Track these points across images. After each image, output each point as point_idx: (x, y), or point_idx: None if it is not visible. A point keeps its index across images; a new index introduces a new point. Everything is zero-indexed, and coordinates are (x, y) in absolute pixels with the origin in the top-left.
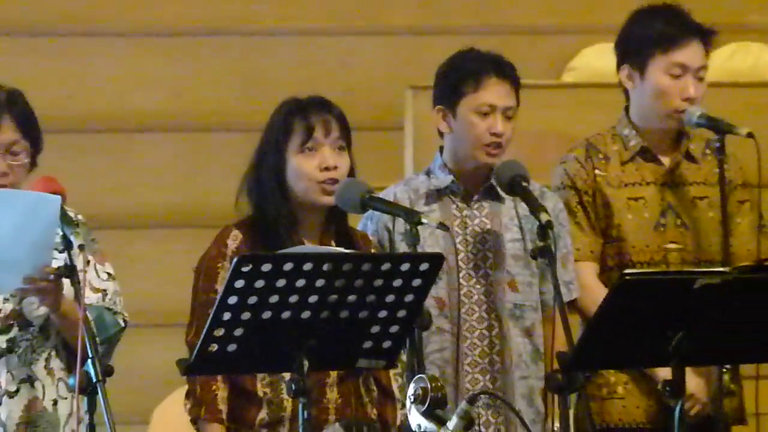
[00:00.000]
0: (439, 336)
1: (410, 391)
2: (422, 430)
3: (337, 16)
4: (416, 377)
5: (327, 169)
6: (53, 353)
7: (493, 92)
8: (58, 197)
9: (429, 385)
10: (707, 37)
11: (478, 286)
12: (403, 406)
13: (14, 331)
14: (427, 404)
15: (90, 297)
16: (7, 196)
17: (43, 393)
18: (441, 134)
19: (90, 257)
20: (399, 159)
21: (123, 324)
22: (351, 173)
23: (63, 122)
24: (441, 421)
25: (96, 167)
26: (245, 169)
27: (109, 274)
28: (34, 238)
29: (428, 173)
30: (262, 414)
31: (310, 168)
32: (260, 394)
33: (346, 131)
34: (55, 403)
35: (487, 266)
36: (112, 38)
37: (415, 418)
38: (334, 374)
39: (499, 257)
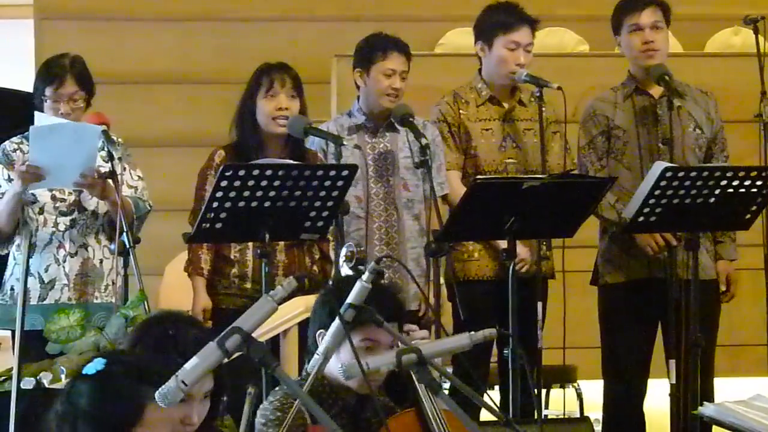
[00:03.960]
0: (357, 221)
1: (342, 252)
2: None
3: (290, 9)
4: (347, 244)
5: (281, 109)
6: (100, 228)
7: (395, 61)
8: (99, 127)
9: (355, 250)
10: (533, 24)
11: (382, 187)
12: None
13: (75, 214)
14: (353, 262)
15: (126, 191)
16: (66, 126)
17: (93, 254)
18: (358, 87)
19: (126, 165)
20: (327, 99)
21: (149, 207)
22: (303, 113)
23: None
24: (361, 274)
25: (130, 106)
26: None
27: (139, 176)
28: (84, 152)
29: (350, 114)
30: (234, 270)
31: (270, 108)
32: (233, 257)
33: (298, 84)
34: (101, 261)
35: (388, 174)
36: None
37: (345, 270)
38: (282, 243)
39: (396, 168)
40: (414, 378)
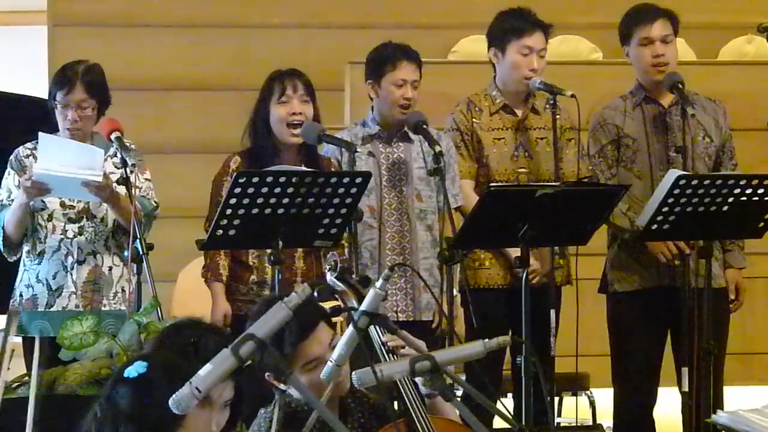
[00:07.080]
0: (370, 231)
1: (327, 261)
2: (335, 286)
3: (303, 16)
4: (330, 253)
5: (294, 114)
6: (110, 236)
7: (405, 71)
8: (101, 150)
9: (338, 259)
10: (546, 28)
11: (395, 197)
12: None
13: (83, 221)
14: (337, 271)
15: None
16: (76, 146)
17: (102, 262)
18: (371, 98)
19: (136, 169)
20: (341, 106)
21: (154, 204)
22: (316, 118)
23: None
24: (347, 283)
25: (144, 112)
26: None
27: (147, 178)
28: (89, 166)
29: (364, 124)
30: (253, 276)
31: (283, 114)
32: (251, 263)
33: (310, 89)
34: (110, 269)
35: (402, 184)
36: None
37: (330, 279)
38: (301, 249)
39: (409, 178)
40: (402, 390)
